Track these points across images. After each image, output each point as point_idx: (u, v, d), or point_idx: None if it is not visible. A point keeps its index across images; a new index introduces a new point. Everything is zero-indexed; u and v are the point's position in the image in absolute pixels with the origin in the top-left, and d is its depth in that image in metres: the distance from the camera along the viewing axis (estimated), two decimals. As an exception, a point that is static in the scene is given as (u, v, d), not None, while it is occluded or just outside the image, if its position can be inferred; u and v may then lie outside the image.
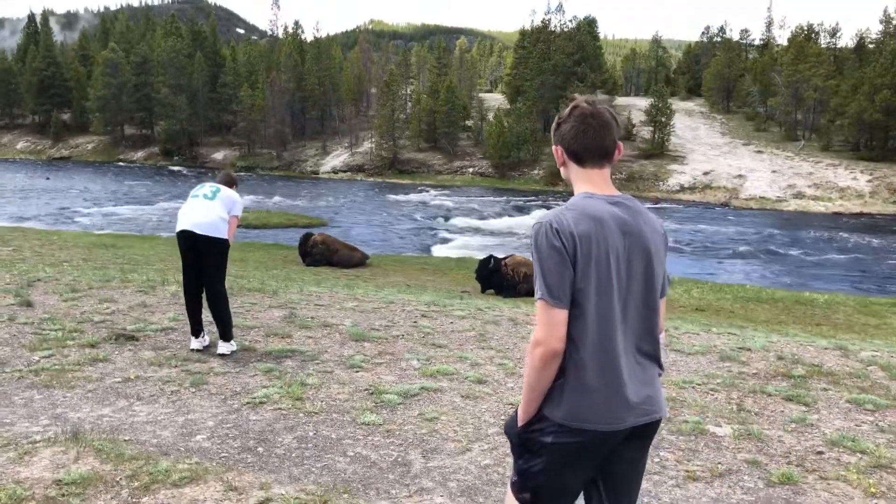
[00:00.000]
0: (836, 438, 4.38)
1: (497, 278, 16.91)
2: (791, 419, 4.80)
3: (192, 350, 6.08)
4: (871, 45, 70.07)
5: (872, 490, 3.70)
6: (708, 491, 3.67)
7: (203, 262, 6.03)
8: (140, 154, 76.59)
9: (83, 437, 4.03)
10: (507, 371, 5.82)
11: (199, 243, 5.93)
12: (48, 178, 55.57)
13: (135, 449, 3.95)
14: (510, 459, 4.04)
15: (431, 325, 7.69)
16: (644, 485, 3.69)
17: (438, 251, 27.51)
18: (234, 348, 6.16)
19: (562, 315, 1.96)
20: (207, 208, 5.94)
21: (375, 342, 6.68)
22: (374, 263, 21.68)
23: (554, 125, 2.22)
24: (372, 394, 5.06)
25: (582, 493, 2.20)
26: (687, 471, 3.89)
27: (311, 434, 4.28)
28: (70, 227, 30.03)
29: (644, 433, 2.11)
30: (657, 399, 2.11)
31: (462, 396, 5.06)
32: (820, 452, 4.21)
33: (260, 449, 4.04)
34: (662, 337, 2.35)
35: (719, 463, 4.01)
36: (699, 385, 5.58)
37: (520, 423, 2.14)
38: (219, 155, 73.81)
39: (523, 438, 2.13)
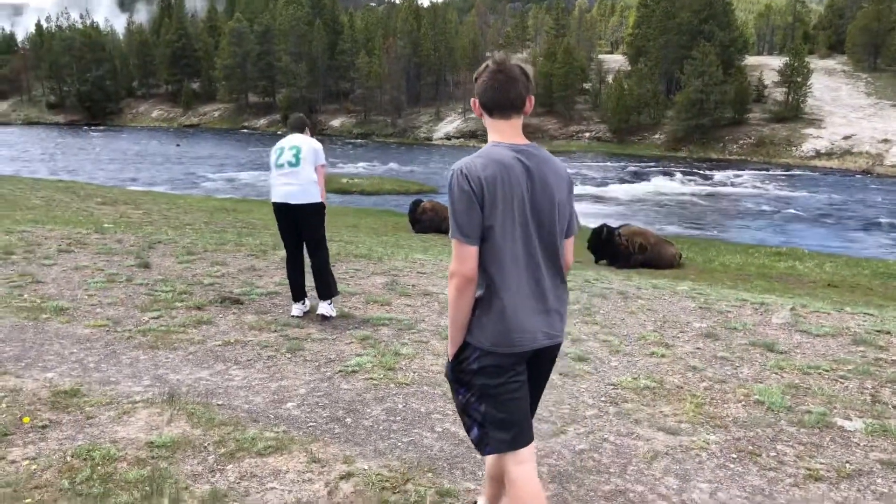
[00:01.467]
0: None
1: (610, 249, 16.33)
2: (938, 416, 4.22)
3: (293, 316, 6.12)
4: None
5: None
6: (832, 493, 3.25)
7: (302, 229, 6.03)
8: (262, 121, 79.67)
9: (178, 400, 4.10)
10: (610, 348, 5.48)
11: (295, 212, 5.92)
12: (178, 146, 58.90)
13: (226, 414, 3.96)
14: (607, 445, 3.78)
15: (535, 296, 7.42)
16: (757, 482, 3.34)
17: (551, 218, 26.96)
18: (334, 314, 6.15)
19: (472, 250, 2.24)
20: (296, 176, 5.89)
21: (475, 312, 6.50)
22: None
23: (474, 80, 2.41)
24: (466, 367, 4.88)
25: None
26: (808, 469, 3.47)
27: (400, 406, 4.16)
28: (195, 192, 31.70)
29: (546, 355, 2.45)
30: (560, 324, 2.42)
31: (561, 374, 4.79)
32: (973, 457, 3.65)
33: (348, 420, 3.96)
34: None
35: (847, 462, 3.55)
36: (826, 372, 5.03)
37: (450, 356, 2.42)
38: (336, 122, 75.65)
39: (456, 372, 2.41)
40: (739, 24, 76.87)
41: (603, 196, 34.38)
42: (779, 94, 59.59)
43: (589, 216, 27.07)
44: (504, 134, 2.36)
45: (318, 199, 5.96)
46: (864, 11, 73.04)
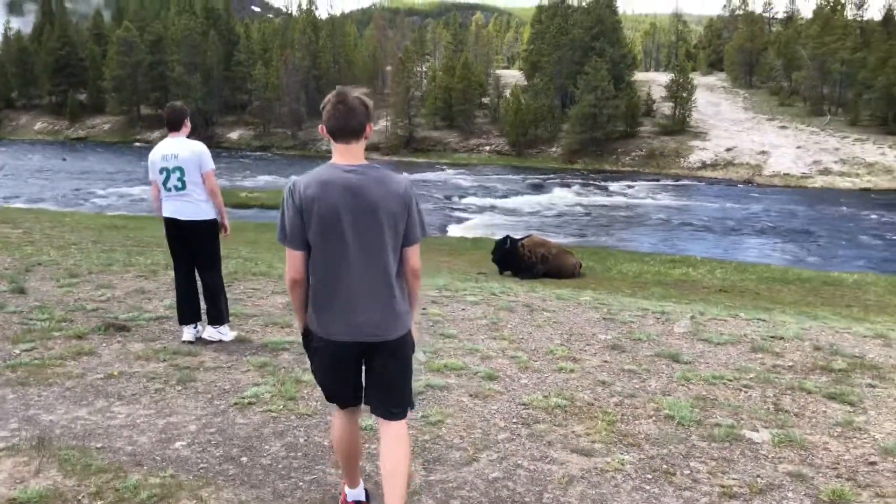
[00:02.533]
0: (890, 446, 3.90)
1: (514, 259, 16.43)
2: (836, 422, 4.32)
3: (185, 342, 5.69)
4: (899, 16, 67.93)
5: (938, 511, 3.23)
6: (747, 511, 3.21)
7: (193, 247, 5.63)
8: (156, 134, 76.12)
9: (49, 445, 3.66)
10: (520, 365, 5.37)
11: (186, 229, 5.52)
12: (64, 160, 55.57)
13: (105, 459, 3.56)
14: (521, 472, 3.62)
15: (441, 313, 7.26)
16: (673, 503, 3.25)
17: (454, 231, 27.08)
18: (228, 338, 5.76)
19: (297, 254, 2.72)
20: (185, 196, 5.50)
21: (380, 332, 6.26)
22: (388, 244, 21.26)
23: (321, 108, 2.74)
24: (372, 392, 4.63)
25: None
26: (722, 486, 3.43)
27: (301, 441, 3.87)
28: (84, 209, 29.91)
29: (382, 349, 2.78)
30: (384, 324, 2.75)
31: (470, 395, 4.62)
32: (872, 463, 3.73)
33: (244, 458, 3.64)
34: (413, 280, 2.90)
35: (758, 476, 3.55)
36: (731, 381, 5.10)
37: (300, 332, 2.95)
38: (234, 134, 73.43)
39: (305, 346, 2.94)
40: (628, 41, 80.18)
41: (505, 208, 34.82)
42: (666, 108, 62.36)
43: (491, 227, 27.32)
44: (343, 157, 2.74)
45: (210, 216, 5.59)
46: (739, 32, 77.76)
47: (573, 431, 4.06)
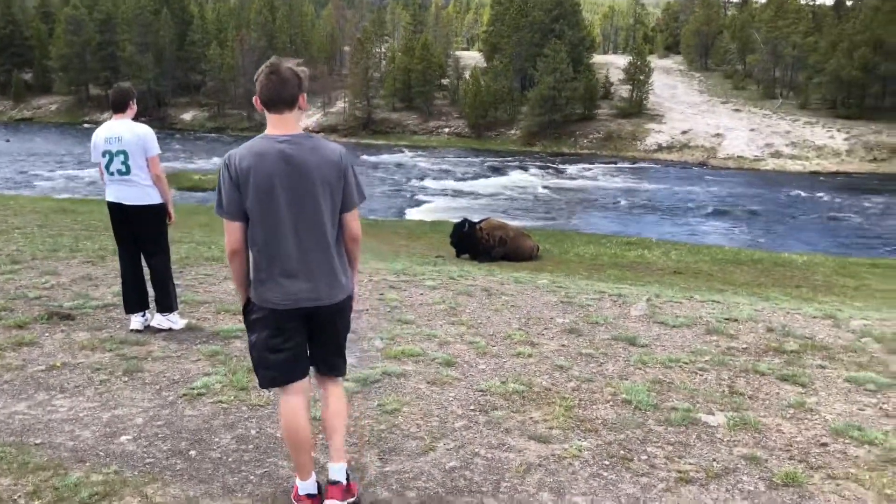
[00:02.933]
0: (840, 427, 3.95)
1: (471, 242, 16.40)
2: (788, 403, 4.37)
3: (132, 331, 5.50)
4: (849, 2, 69.49)
5: (888, 490, 3.27)
6: (703, 496, 3.21)
7: (138, 233, 5.43)
8: (106, 115, 73.29)
9: (-16, 443, 3.48)
10: (478, 350, 5.32)
11: (130, 214, 5.32)
12: (8, 141, 53.71)
13: (45, 455, 3.41)
14: (479, 460, 3.58)
15: (399, 298, 7.18)
16: (630, 489, 3.24)
17: (413, 214, 26.94)
18: (178, 326, 5.60)
19: (235, 225, 2.77)
20: (129, 182, 5.30)
21: (336, 318, 6.15)
22: (347, 227, 21.06)
23: (254, 79, 2.77)
24: (327, 380, 4.54)
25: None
26: (679, 471, 3.43)
27: (253, 433, 3.76)
28: (29, 192, 28.96)
29: (325, 311, 2.86)
30: (326, 289, 2.82)
31: (428, 382, 4.56)
32: (824, 444, 3.77)
33: (192, 452, 3.52)
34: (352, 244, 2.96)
35: (714, 460, 3.56)
36: (686, 364, 5.13)
37: (241, 305, 2.98)
38: (187, 115, 71.89)
39: (245, 320, 2.97)
40: (587, 24, 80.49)
41: (463, 190, 34.78)
42: (624, 91, 62.90)
43: (450, 211, 27.27)
44: (276, 127, 2.77)
45: (156, 201, 5.39)
46: (695, 16, 78.74)
47: (531, 418, 4.02)
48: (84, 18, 76.31)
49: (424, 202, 30.64)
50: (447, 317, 6.44)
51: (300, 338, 2.88)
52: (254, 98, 2.79)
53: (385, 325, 6.00)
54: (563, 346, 5.58)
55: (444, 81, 69.84)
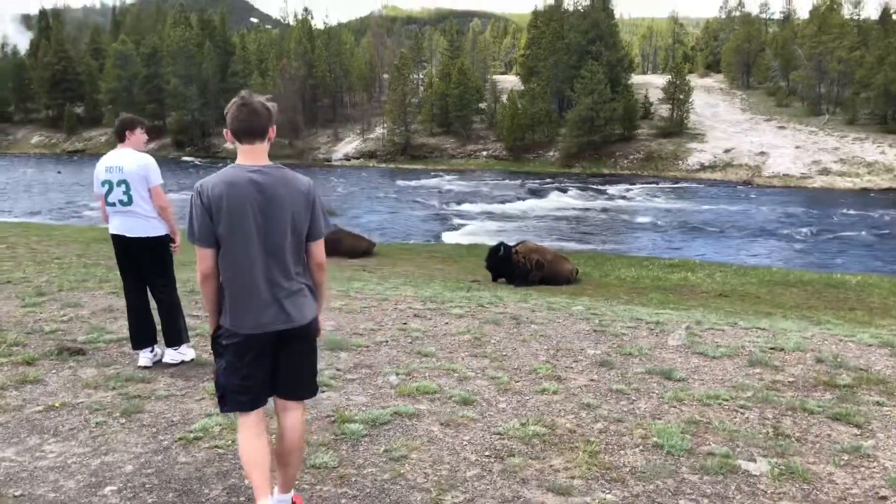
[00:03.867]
0: (902, 477, 3.50)
1: (507, 266, 16.06)
2: (842, 447, 3.92)
3: (140, 367, 5.30)
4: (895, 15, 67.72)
5: (961, 558, 2.82)
6: (743, 561, 2.81)
7: (142, 266, 5.25)
8: (152, 146, 75.84)
9: (-40, 495, 3.26)
10: (499, 387, 4.97)
11: (133, 246, 5.15)
12: (59, 172, 55.28)
13: (22, 509, 3.17)
14: (490, 516, 3.24)
15: (423, 328, 6.87)
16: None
17: (449, 238, 26.68)
18: (188, 358, 5.38)
19: (206, 252, 2.83)
20: (131, 213, 5.13)
21: (354, 351, 5.87)
22: (382, 252, 20.91)
23: (225, 112, 2.88)
24: (334, 422, 4.25)
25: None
26: (715, 530, 3.03)
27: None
28: (76, 222, 29.56)
29: (292, 336, 2.92)
30: (295, 312, 2.89)
31: (441, 424, 4.23)
32: (884, 498, 3.33)
33: (179, 505, 3.24)
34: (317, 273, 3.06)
35: (756, 517, 3.15)
36: (726, 401, 4.70)
37: (210, 332, 3.03)
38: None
39: (213, 345, 3.00)
40: (624, 44, 79.97)
41: (501, 213, 34.45)
42: (664, 110, 62.07)
43: (487, 234, 26.95)
44: (247, 157, 2.88)
45: (160, 232, 5.21)
46: (736, 33, 77.61)
47: (551, 466, 3.65)
48: (131, 53, 78.76)
49: (461, 225, 30.36)
50: (471, 348, 6.11)
51: (268, 363, 2.94)
52: (224, 131, 2.93)
53: (403, 358, 5.70)
54: (592, 380, 5.20)
55: (482, 105, 69.89)
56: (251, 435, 2.95)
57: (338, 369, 5.32)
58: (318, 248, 3.00)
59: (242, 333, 2.85)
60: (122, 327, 6.61)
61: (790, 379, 5.30)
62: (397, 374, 5.17)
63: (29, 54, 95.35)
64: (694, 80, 69.70)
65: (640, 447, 3.90)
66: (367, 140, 68.21)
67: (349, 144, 68.82)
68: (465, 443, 3.96)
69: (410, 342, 6.25)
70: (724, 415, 4.46)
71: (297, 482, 3.44)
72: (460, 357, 5.79)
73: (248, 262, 2.81)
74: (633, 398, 4.78)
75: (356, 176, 54.61)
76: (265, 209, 2.79)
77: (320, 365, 5.43)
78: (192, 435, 4.01)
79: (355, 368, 5.37)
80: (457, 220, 31.98)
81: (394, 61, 73.88)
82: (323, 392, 4.78)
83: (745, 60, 74.94)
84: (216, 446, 3.87)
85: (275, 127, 2.93)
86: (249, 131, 2.84)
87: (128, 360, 5.52)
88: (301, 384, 3.05)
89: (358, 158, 66.09)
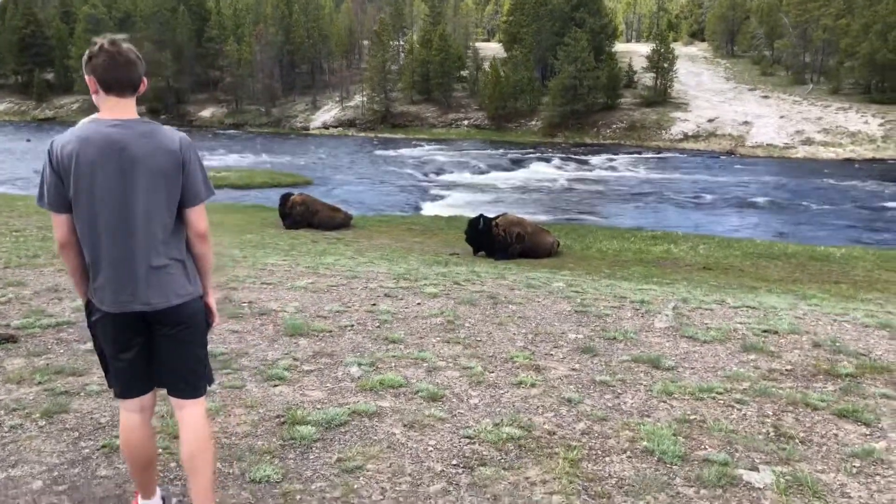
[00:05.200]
0: (924, 490, 3.08)
1: (487, 239, 15.64)
2: (852, 451, 3.50)
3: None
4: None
5: None
6: None
7: None
8: (127, 113, 74.39)
9: None
10: (472, 378, 4.51)
11: None
12: (29, 141, 53.80)
13: None
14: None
15: (393, 309, 6.39)
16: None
17: (429, 209, 26.14)
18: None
19: (61, 218, 2.50)
20: None
21: (315, 337, 5.38)
22: (360, 225, 20.36)
23: (85, 58, 2.47)
24: (284, 423, 3.76)
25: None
26: (716, 560, 2.60)
27: (174, 500, 2.99)
28: (43, 192, 28.57)
29: (163, 319, 2.56)
30: (156, 292, 2.51)
31: (405, 425, 3.75)
32: (905, 515, 2.92)
33: (90, 533, 2.76)
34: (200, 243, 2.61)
35: (763, 542, 2.72)
36: (721, 395, 4.27)
37: (83, 304, 2.71)
38: (206, 112, 71.68)
39: (87, 322, 2.68)
40: (608, 11, 78.86)
41: (481, 185, 33.88)
42: (647, 79, 61.38)
43: (468, 206, 26.41)
44: (113, 111, 2.47)
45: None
46: (721, 1, 76.80)
47: (526, 478, 3.20)
48: (103, 17, 76.49)
49: (441, 197, 29.80)
50: (443, 332, 5.63)
51: (137, 348, 2.59)
52: (87, 79, 2.47)
53: (369, 345, 5.21)
54: (573, 370, 4.76)
55: (464, 73, 68.81)
56: (126, 427, 2.67)
57: (295, 359, 4.83)
58: (198, 215, 2.58)
59: (103, 310, 2.53)
60: (64, 310, 6.07)
61: (787, 367, 4.89)
62: (360, 365, 4.68)
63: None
64: (678, 48, 69.03)
65: (628, 453, 3.46)
66: (346, 108, 67.02)
67: (328, 113, 67.60)
68: (430, 449, 3.49)
69: (378, 326, 5.77)
70: (720, 411, 4.03)
71: (233, 501, 2.97)
72: (431, 343, 5.32)
73: (103, 230, 2.44)
74: (619, 391, 4.34)
75: (334, 145, 53.62)
76: (120, 170, 2.41)
77: (275, 353, 4.98)
78: (118, 441, 3.50)
79: (314, 357, 4.88)
80: (437, 191, 31.38)
81: (373, 28, 72.37)
82: (276, 387, 4.30)
83: (730, 28, 74.28)
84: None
85: (146, 79, 2.56)
86: (124, 82, 2.45)
87: (62, 349, 4.99)
88: (178, 379, 2.65)
89: (337, 127, 64.97)
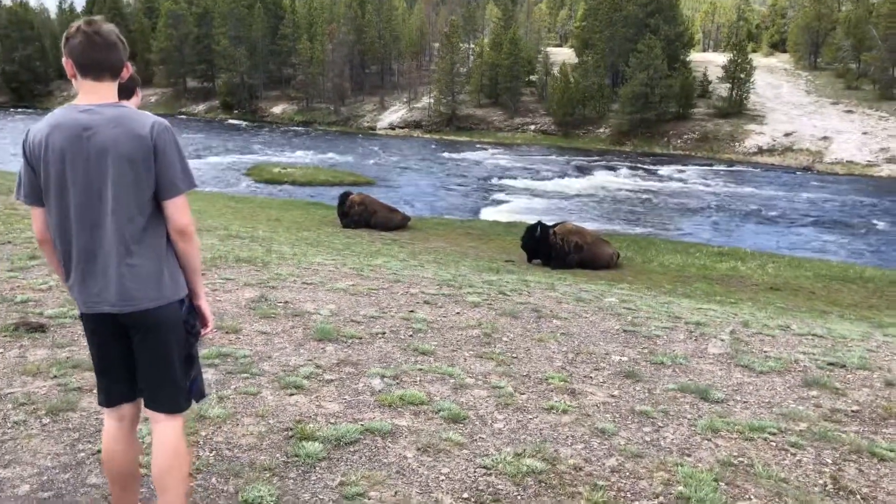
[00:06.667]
0: None
1: (544, 247, 15.32)
2: (923, 516, 3.05)
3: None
4: (980, -5, 63.31)
5: None
6: None
7: None
8: (201, 107, 76.43)
9: None
10: (500, 400, 4.20)
11: None
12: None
13: None
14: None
15: (430, 317, 6.13)
16: None
17: (487, 214, 25.82)
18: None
19: (37, 211, 2.36)
20: None
21: (343, 343, 5.16)
22: (417, 227, 20.23)
23: (63, 40, 2.31)
24: (292, 437, 3.53)
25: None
26: None
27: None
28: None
29: (138, 324, 2.34)
30: (126, 292, 2.29)
31: (419, 449, 3.48)
32: None
33: (65, 548, 2.58)
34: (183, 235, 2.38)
35: None
36: (774, 436, 3.85)
37: None
38: (277, 109, 73.01)
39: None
40: (685, 19, 76.87)
41: (545, 191, 33.36)
42: (723, 90, 59.46)
43: (528, 212, 25.99)
44: (88, 95, 2.31)
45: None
46: (804, 11, 73.84)
47: (542, 520, 2.88)
48: (183, 13, 78.82)
49: (502, 202, 29.43)
50: (477, 346, 5.34)
51: (116, 353, 2.43)
52: (64, 61, 2.30)
53: (397, 355, 4.96)
54: (612, 396, 4.40)
55: (533, 78, 68.12)
56: (105, 437, 2.53)
57: (318, 366, 4.61)
58: (177, 209, 2.33)
59: (80, 311, 2.40)
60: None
61: (854, 408, 4.42)
62: (383, 378, 4.44)
63: (84, 11, 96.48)
64: (757, 59, 66.71)
65: (661, 498, 3.10)
66: (413, 109, 67.24)
67: (395, 113, 67.97)
68: (441, 477, 3.21)
69: (411, 335, 5.51)
70: (770, 455, 3.62)
71: (218, 523, 2.75)
72: (463, 357, 5.03)
73: (71, 223, 2.28)
74: (660, 424, 3.97)
75: (399, 146, 53.81)
76: (90, 157, 2.23)
77: (299, 359, 4.78)
78: (115, 446, 3.34)
79: (338, 366, 4.66)
80: (497, 196, 31.04)
81: (444, 29, 72.43)
82: (292, 396, 4.08)
83: (814, 40, 71.30)
84: (139, 465, 3.19)
85: (130, 64, 2.43)
86: (104, 64, 2.29)
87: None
88: (152, 391, 2.45)
89: (403, 128, 65.23)
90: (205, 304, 2.53)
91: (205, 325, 2.56)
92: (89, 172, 2.25)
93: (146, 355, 2.41)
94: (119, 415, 2.51)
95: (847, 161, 46.30)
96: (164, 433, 2.46)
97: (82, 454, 3.29)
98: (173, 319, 2.40)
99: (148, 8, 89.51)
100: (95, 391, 2.60)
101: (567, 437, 3.72)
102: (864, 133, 49.53)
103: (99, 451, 3.29)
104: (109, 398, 2.50)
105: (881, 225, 27.15)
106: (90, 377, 4.23)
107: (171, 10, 78.07)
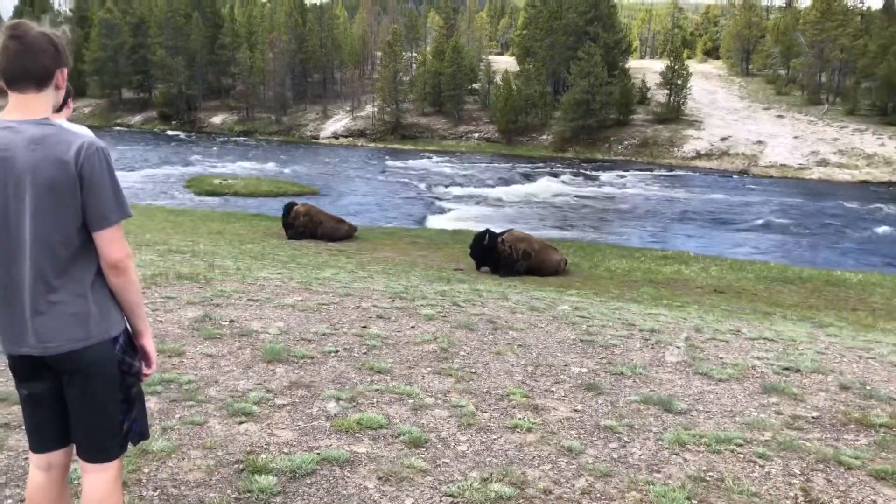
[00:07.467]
0: None
1: (493, 255, 15.24)
2: (895, 526, 3.02)
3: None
4: (898, 4, 66.46)
5: None
6: None
7: None
8: (138, 118, 74.31)
9: None
10: (461, 419, 4.04)
11: None
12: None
13: None
14: None
15: (384, 333, 5.93)
16: None
17: (434, 222, 25.74)
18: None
19: None
20: None
21: (294, 364, 4.93)
22: (364, 237, 19.97)
23: None
24: (243, 470, 3.30)
25: None
26: None
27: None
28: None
29: (60, 365, 2.11)
30: (40, 336, 2.06)
31: (379, 478, 3.29)
32: None
33: None
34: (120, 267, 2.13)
35: None
36: (741, 447, 3.79)
37: None
38: (217, 119, 71.54)
39: None
40: (623, 27, 78.52)
41: (490, 198, 33.46)
42: (661, 96, 60.83)
43: (475, 219, 26.00)
44: (12, 111, 2.07)
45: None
46: (735, 19, 76.32)
47: (514, 551, 2.74)
48: (118, 22, 76.69)
49: (448, 210, 29.39)
50: (435, 362, 5.18)
51: (45, 394, 2.19)
52: None
53: (352, 375, 4.76)
54: (575, 411, 4.29)
55: (476, 86, 68.50)
56: (30, 486, 2.30)
57: (268, 390, 4.37)
58: (108, 241, 2.08)
59: (2, 350, 2.17)
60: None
61: (814, 413, 4.41)
62: (338, 400, 4.23)
63: (14, 16, 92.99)
64: (693, 65, 68.50)
65: (635, 521, 2.99)
66: (356, 118, 66.79)
67: (338, 122, 67.40)
68: (405, 509, 3.03)
69: (365, 353, 5.32)
70: (739, 468, 3.55)
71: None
72: (421, 374, 4.86)
73: None
74: (626, 439, 3.87)
75: (343, 155, 53.33)
76: (7, 183, 1.99)
77: (247, 383, 4.52)
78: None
79: (290, 389, 4.43)
80: (443, 204, 30.99)
81: (387, 37, 72.27)
82: (241, 424, 3.84)
83: (745, 47, 73.73)
84: (73, 510, 2.92)
85: (66, 70, 2.11)
86: (23, 74, 2.02)
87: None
88: (81, 437, 2.22)
89: (347, 137, 64.70)
90: (148, 343, 2.30)
91: (149, 365, 2.32)
92: (8, 201, 2.01)
93: (75, 400, 2.18)
94: (47, 462, 2.28)
95: (781, 164, 47.84)
96: (94, 485, 2.23)
97: (9, 501, 2.99)
98: (104, 360, 2.15)
99: (81, 17, 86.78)
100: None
101: (533, 457, 3.59)
102: (796, 137, 51.31)
103: (21, 502, 3.01)
104: (36, 444, 2.28)
105: (815, 225, 28.06)
106: (18, 411, 3.91)
107: (105, 20, 75.84)
